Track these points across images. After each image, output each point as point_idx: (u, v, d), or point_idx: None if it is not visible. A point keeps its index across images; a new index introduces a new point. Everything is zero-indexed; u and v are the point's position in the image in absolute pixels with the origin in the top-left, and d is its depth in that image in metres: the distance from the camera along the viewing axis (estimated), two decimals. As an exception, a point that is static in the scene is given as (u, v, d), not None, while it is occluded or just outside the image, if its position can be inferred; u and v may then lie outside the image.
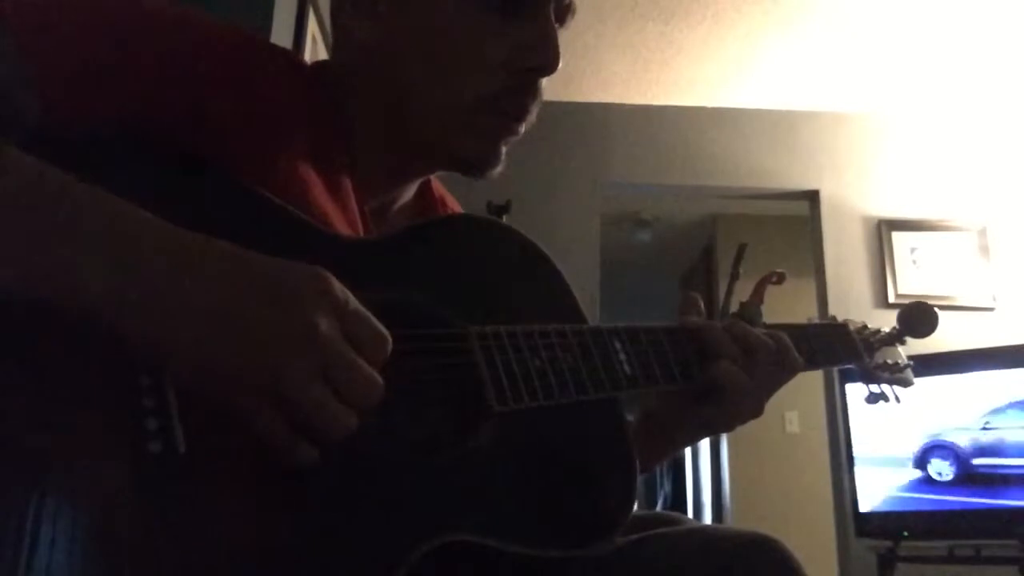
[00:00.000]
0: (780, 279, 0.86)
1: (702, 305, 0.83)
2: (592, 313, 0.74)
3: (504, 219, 0.74)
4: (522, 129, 0.73)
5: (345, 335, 0.51)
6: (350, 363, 0.51)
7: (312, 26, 2.09)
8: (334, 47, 0.76)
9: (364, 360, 0.52)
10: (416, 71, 0.70)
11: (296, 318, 0.50)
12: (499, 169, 0.74)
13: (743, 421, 0.79)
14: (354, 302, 0.53)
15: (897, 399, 0.95)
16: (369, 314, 0.53)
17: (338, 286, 0.52)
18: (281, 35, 1.85)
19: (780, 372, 0.80)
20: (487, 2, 0.68)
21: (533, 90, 0.72)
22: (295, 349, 0.49)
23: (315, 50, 2.14)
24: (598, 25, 3.11)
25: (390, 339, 0.53)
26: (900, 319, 1.01)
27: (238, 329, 0.49)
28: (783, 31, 3.15)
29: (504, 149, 0.73)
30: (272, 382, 0.49)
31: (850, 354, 0.95)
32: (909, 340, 1.03)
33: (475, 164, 0.73)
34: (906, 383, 0.98)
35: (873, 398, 0.95)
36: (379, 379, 0.52)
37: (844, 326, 0.96)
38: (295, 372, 0.49)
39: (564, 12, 0.73)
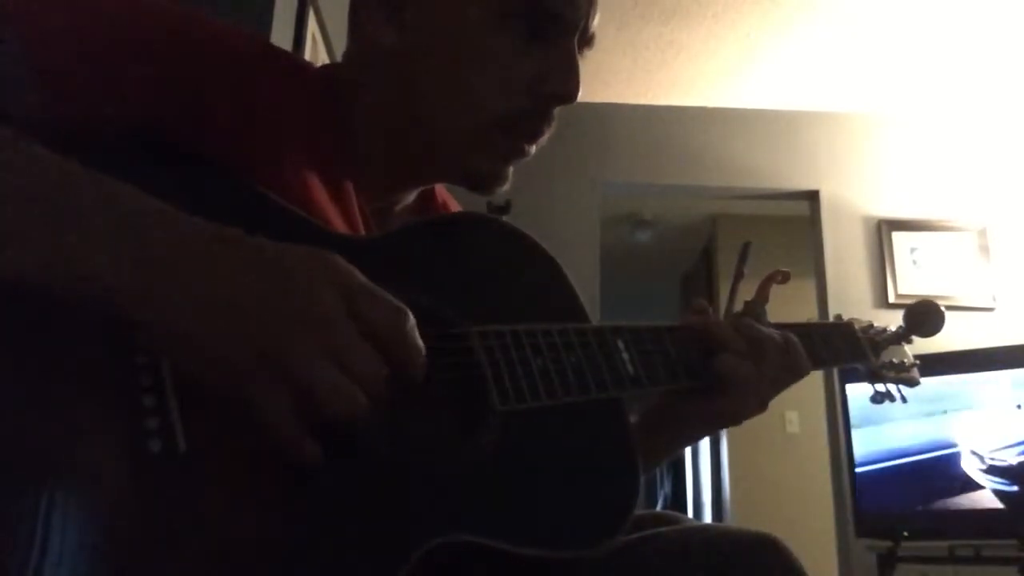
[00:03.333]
0: (785, 278, 0.86)
1: (711, 311, 0.83)
2: (592, 313, 0.74)
3: (504, 219, 0.74)
4: (533, 151, 0.73)
5: (357, 314, 0.51)
6: (357, 340, 0.50)
7: (312, 26, 2.08)
8: (348, 49, 0.75)
9: (379, 335, 0.51)
10: (437, 83, 0.69)
11: (298, 296, 0.49)
12: (505, 187, 0.73)
13: (747, 416, 0.79)
14: (361, 279, 0.52)
15: (903, 398, 0.95)
16: (379, 289, 0.52)
17: (343, 264, 0.52)
18: (281, 35, 1.84)
19: (787, 372, 0.80)
20: (515, 25, 0.68)
21: (549, 116, 0.71)
22: (298, 327, 0.49)
23: (315, 50, 2.13)
24: (598, 25, 3.10)
25: (407, 311, 0.52)
26: (906, 317, 1.01)
27: (240, 310, 0.48)
28: (783, 31, 3.15)
29: (511, 168, 0.73)
30: (277, 362, 0.48)
31: (856, 353, 0.95)
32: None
33: (482, 181, 0.73)
34: (912, 382, 0.98)
35: (879, 397, 0.95)
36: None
37: (849, 325, 0.96)
38: (300, 351, 0.48)
39: (586, 43, 0.73)
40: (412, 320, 0.53)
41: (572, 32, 0.70)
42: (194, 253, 0.49)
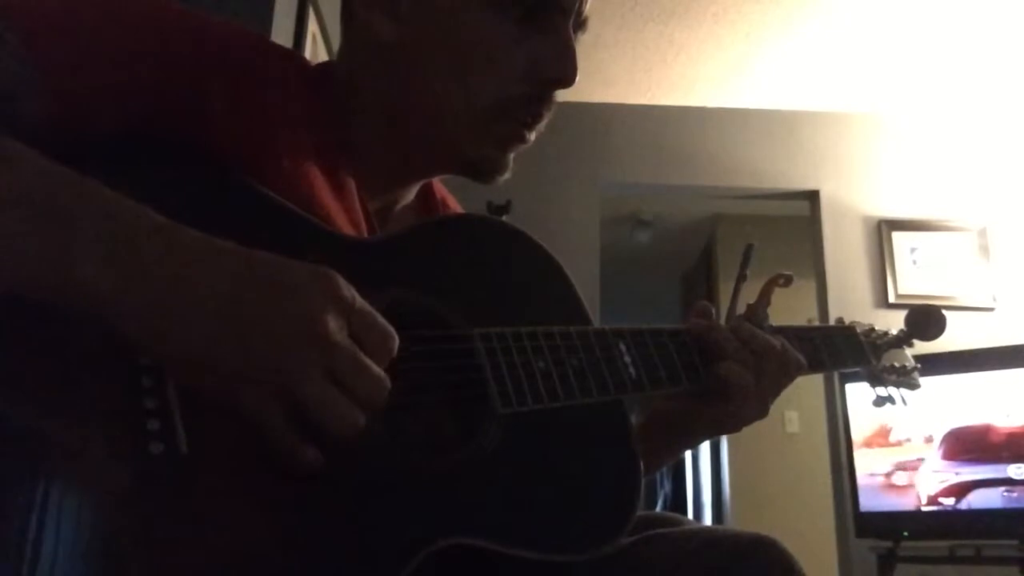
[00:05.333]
0: (787, 282, 0.86)
1: (713, 313, 0.83)
2: (592, 313, 0.74)
3: (504, 219, 0.74)
4: (532, 138, 0.73)
5: (351, 334, 0.51)
6: (357, 362, 0.51)
7: (312, 26, 2.08)
8: (344, 44, 0.75)
9: (370, 358, 0.51)
10: (434, 73, 0.69)
11: (301, 317, 0.50)
12: (506, 176, 0.74)
13: (748, 422, 0.79)
14: (360, 300, 0.53)
15: (904, 402, 0.95)
16: (375, 312, 0.53)
17: (344, 284, 0.52)
18: (281, 35, 1.84)
19: (787, 378, 0.80)
20: (510, 11, 0.68)
21: (548, 100, 0.72)
22: (301, 348, 0.49)
23: (315, 50, 2.13)
24: (598, 25, 3.10)
25: (396, 337, 0.53)
26: (907, 321, 1.01)
27: (242, 327, 0.49)
28: (783, 31, 3.15)
29: (512, 156, 0.73)
30: (278, 382, 0.49)
31: (857, 357, 0.95)
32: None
33: (484, 169, 0.73)
34: (913, 386, 0.98)
35: (880, 401, 0.95)
36: (386, 378, 0.52)
37: (851, 329, 0.96)
38: (301, 371, 0.49)
39: (580, 27, 0.73)
40: (396, 347, 0.54)
41: (567, 16, 0.70)
42: (193, 268, 0.49)
